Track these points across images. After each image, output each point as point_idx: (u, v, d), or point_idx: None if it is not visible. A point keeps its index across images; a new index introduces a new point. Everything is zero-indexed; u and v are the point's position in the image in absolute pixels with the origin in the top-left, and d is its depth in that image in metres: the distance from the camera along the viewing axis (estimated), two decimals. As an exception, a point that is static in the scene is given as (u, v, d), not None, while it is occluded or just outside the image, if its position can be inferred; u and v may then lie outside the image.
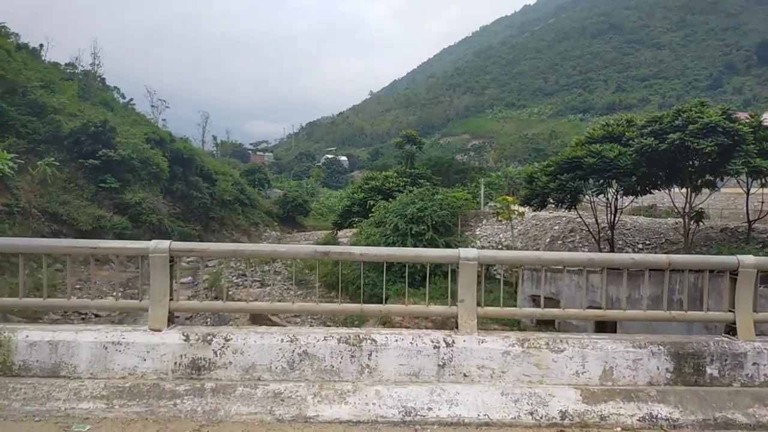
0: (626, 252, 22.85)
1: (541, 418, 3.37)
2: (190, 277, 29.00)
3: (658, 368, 3.68)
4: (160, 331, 3.67)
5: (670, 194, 21.61)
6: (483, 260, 3.85)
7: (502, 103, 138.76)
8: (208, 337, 3.61)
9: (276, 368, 3.58)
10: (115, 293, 24.53)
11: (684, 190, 19.81)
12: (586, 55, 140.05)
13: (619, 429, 3.34)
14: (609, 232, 21.90)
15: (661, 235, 23.39)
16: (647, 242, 23.28)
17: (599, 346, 3.72)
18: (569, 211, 22.75)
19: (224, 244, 3.89)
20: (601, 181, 19.68)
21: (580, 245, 24.39)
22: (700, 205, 20.11)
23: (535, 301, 19.33)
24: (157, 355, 3.55)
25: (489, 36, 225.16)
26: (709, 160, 17.23)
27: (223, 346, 3.59)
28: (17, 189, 30.09)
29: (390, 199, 27.69)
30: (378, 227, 24.95)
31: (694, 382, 3.68)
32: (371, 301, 19.15)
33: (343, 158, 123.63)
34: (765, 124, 18.65)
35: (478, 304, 3.86)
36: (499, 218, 26.54)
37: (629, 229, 24.60)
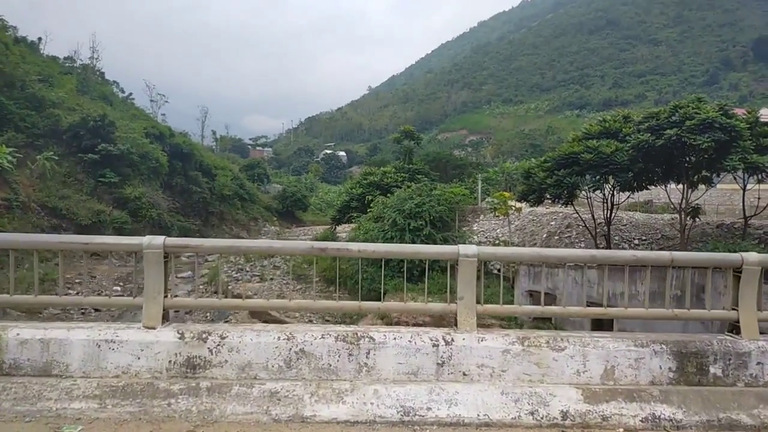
0: (623, 247, 22.83)
1: (542, 418, 3.32)
2: (189, 272, 28.96)
3: (660, 367, 3.63)
4: (154, 328, 3.60)
5: (666, 190, 21.57)
6: (483, 257, 3.79)
7: (500, 98, 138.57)
8: (204, 335, 3.55)
9: (272, 367, 3.51)
10: (108, 290, 24.80)
11: (680, 186, 19.77)
12: (583, 51, 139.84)
13: (621, 430, 3.29)
14: (605, 227, 21.87)
15: (657, 231, 23.37)
16: (643, 238, 23.26)
17: (600, 344, 3.67)
18: (566, 206, 22.71)
19: (220, 240, 3.82)
20: (598, 176, 19.62)
21: (577, 241, 24.36)
22: (697, 201, 20.08)
23: (532, 296, 19.33)
24: (151, 353, 3.48)
25: (487, 31, 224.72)
26: (706, 156, 17.17)
27: (218, 344, 3.52)
28: (16, 183, 29.96)
29: (388, 195, 27.64)
30: (376, 222, 24.90)
31: (697, 382, 3.63)
32: (370, 296, 19.14)
33: (342, 153, 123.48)
34: (762, 120, 18.60)
35: (478, 302, 3.80)
36: (497, 214, 26.45)
37: (625, 225, 24.58)
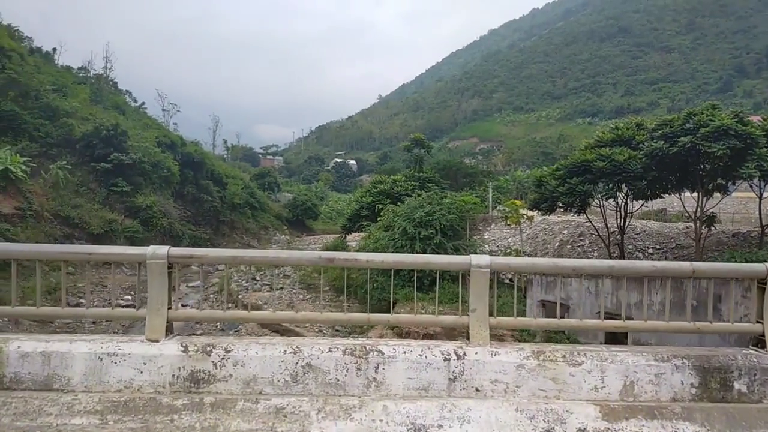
0: (636, 256, 22.55)
1: None
2: (199, 281, 28.95)
3: (682, 383, 3.46)
4: (157, 341, 3.50)
5: (680, 198, 21.29)
6: (495, 267, 3.66)
7: (511, 106, 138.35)
8: (208, 349, 3.45)
9: (278, 381, 3.40)
10: (119, 300, 24.77)
11: (695, 194, 19.50)
12: (595, 59, 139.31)
13: (642, 449, 3.14)
14: (619, 236, 21.60)
15: (672, 240, 23.06)
16: (657, 247, 22.96)
17: (619, 359, 3.51)
18: (578, 215, 22.48)
19: (225, 250, 3.73)
20: (611, 185, 19.41)
21: (590, 250, 24.10)
22: (712, 210, 19.79)
23: (545, 306, 19.05)
24: (154, 367, 3.39)
25: (497, 40, 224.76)
26: (721, 164, 16.91)
27: (223, 358, 3.42)
28: (30, 192, 30.26)
29: (398, 203, 27.58)
30: (386, 231, 24.81)
31: (721, 399, 3.46)
32: (380, 305, 19.05)
33: (352, 162, 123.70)
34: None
35: (491, 314, 3.67)
36: (508, 222, 26.27)
37: (639, 234, 24.29)
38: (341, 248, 31.50)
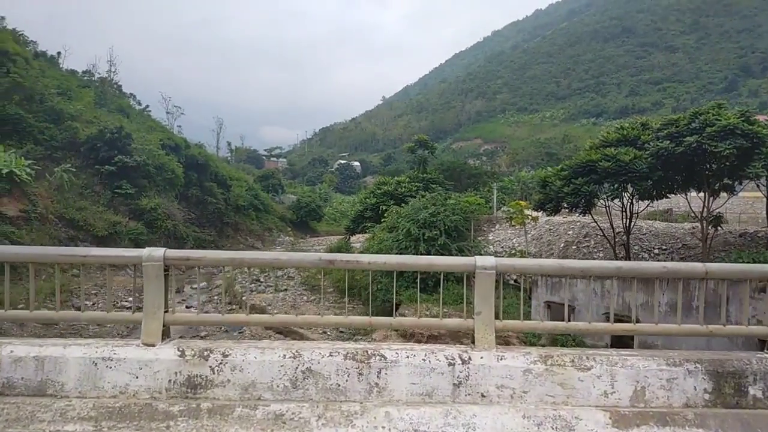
0: (642, 257, 22.36)
1: None
2: (204, 283, 28.99)
3: (695, 388, 3.34)
4: (153, 345, 3.41)
5: (686, 198, 21.11)
6: (501, 269, 3.55)
7: (514, 107, 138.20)
8: (205, 353, 3.35)
9: (277, 387, 3.30)
10: (123, 301, 24.81)
11: (701, 194, 19.33)
12: (599, 59, 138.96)
13: (654, 457, 3.03)
14: (624, 237, 21.43)
15: (678, 240, 22.87)
16: (663, 247, 22.78)
17: (629, 363, 3.40)
18: (584, 215, 22.31)
19: (222, 252, 3.64)
20: (616, 185, 19.25)
21: (595, 250, 23.92)
22: (718, 210, 19.60)
23: (550, 307, 18.93)
24: (150, 372, 3.30)
25: (501, 41, 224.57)
26: (727, 164, 16.74)
27: (220, 363, 3.33)
28: (35, 195, 30.35)
29: (402, 204, 27.45)
30: (390, 232, 24.70)
31: (735, 404, 3.34)
32: (384, 307, 18.94)
33: (356, 163, 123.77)
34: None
35: (496, 317, 3.56)
36: (513, 223, 26.10)
37: (645, 234, 24.10)
38: (345, 249, 31.40)
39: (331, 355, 3.36)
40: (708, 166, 17.63)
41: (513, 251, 26.00)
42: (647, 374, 3.34)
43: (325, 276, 23.18)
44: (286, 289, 25.92)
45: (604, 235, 22.16)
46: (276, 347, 3.44)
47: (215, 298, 27.82)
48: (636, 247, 22.67)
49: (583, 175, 19.56)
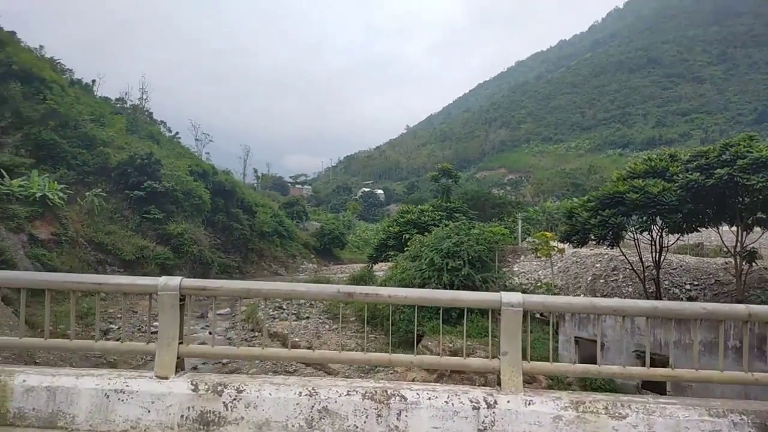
0: (673, 292, 21.66)
1: None
2: (228, 309, 29.04)
3: None
4: (167, 378, 3.31)
5: (718, 232, 20.46)
6: (528, 306, 3.38)
7: (539, 137, 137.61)
8: (219, 388, 3.24)
9: (293, 426, 3.15)
10: (148, 326, 24.89)
11: (734, 228, 18.71)
12: (624, 90, 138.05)
13: None
14: (654, 271, 20.81)
15: (710, 276, 22.10)
16: (695, 283, 22.02)
17: (668, 412, 3.16)
18: (611, 248, 21.75)
19: (239, 282, 3.55)
20: (645, 217, 18.77)
21: (624, 284, 23.28)
22: (752, 245, 18.92)
23: (578, 343, 18.35)
24: (162, 406, 3.19)
25: (525, 71, 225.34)
26: (761, 197, 16.17)
27: (234, 399, 3.20)
28: (66, 219, 31.07)
29: (425, 233, 27.23)
30: (413, 261, 24.44)
31: (785, 462, 3.07)
32: (406, 338, 18.61)
33: (380, 191, 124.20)
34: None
35: (524, 357, 3.37)
36: (538, 254, 25.60)
37: (675, 269, 23.36)
38: (368, 278, 31.19)
39: (349, 394, 3.21)
40: (740, 199, 17.09)
41: (539, 283, 25.47)
42: (688, 425, 3.09)
43: (347, 305, 22.97)
44: (308, 317, 25.76)
45: (633, 268, 21.57)
46: (291, 384, 3.31)
47: (238, 325, 27.82)
48: (666, 282, 21.98)
49: (611, 207, 19.14)
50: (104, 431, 3.14)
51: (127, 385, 3.24)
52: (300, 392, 3.22)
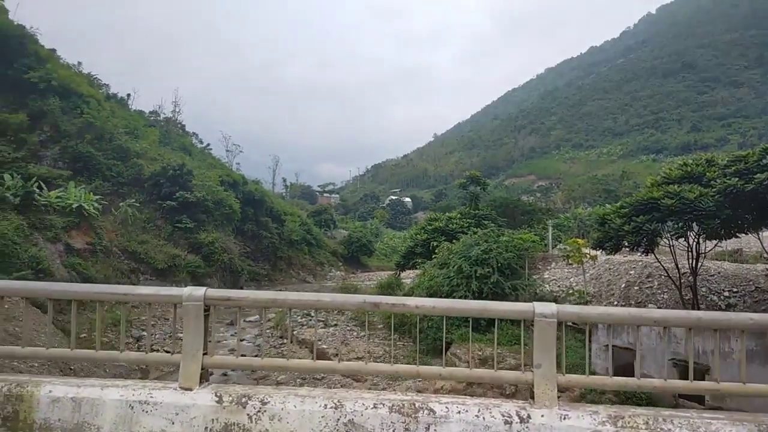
0: (711, 300, 20.97)
1: None
2: (257, 316, 29.27)
3: None
4: (191, 390, 3.27)
5: (758, 238, 19.77)
6: (563, 317, 3.22)
7: (569, 143, 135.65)
8: (243, 400, 3.18)
9: None
10: (146, 346, 25.06)
11: (774, 233, 18.07)
12: (658, 95, 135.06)
13: None
14: (690, 278, 20.16)
15: (750, 283, 21.32)
16: (734, 290, 21.27)
17: (714, 428, 2.96)
18: (646, 255, 21.19)
19: (264, 292, 3.49)
20: (681, 223, 18.22)
21: (659, 291, 22.64)
22: (794, 251, 18.22)
23: (612, 351, 17.84)
24: (186, 417, 3.14)
25: (554, 78, 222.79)
26: (802, 201, 15.58)
27: (259, 411, 3.13)
28: (101, 228, 31.85)
29: (453, 241, 26.99)
30: (441, 269, 24.24)
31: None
32: (434, 345, 18.40)
33: (407, 199, 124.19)
34: None
35: (558, 370, 3.22)
36: (570, 262, 25.09)
37: (713, 276, 22.61)
38: (395, 285, 31.05)
39: (376, 407, 3.11)
40: (782, 203, 16.48)
41: (570, 290, 24.96)
42: None
43: (367, 317, 22.87)
44: (336, 324, 25.76)
45: (668, 275, 20.96)
46: (317, 396, 3.22)
47: (267, 331, 27.97)
48: (704, 289, 21.28)
49: (645, 213, 18.66)
50: None
51: (152, 397, 3.21)
52: (325, 404, 3.13)
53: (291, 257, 55.26)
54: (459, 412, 3.07)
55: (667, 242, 19.98)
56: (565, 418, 3.03)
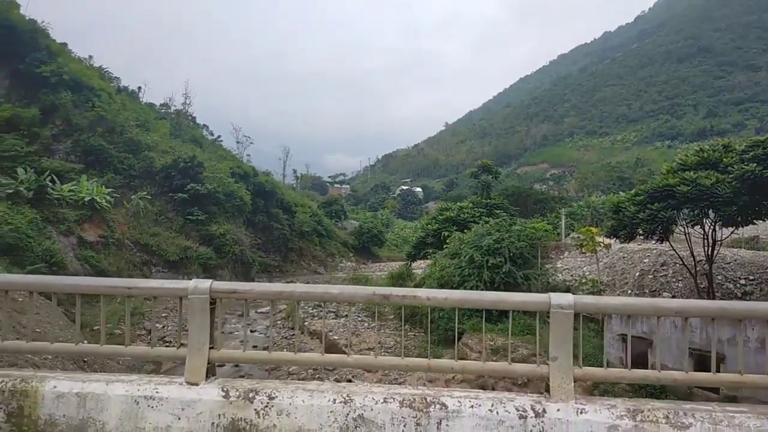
0: (727, 287, 20.67)
1: None
2: (268, 307, 29.43)
3: None
4: (197, 385, 3.19)
5: (777, 225, 19.40)
6: (580, 308, 3.09)
7: (583, 131, 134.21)
8: (250, 395, 3.10)
9: None
10: (152, 340, 25.17)
11: (793, 220, 17.68)
12: (673, 80, 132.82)
13: None
14: (706, 265, 19.85)
15: (767, 270, 21.01)
16: (751, 278, 20.94)
17: (737, 422, 2.83)
18: (660, 243, 20.89)
19: (271, 285, 3.43)
20: (697, 211, 17.90)
21: (673, 280, 22.35)
22: (816, 237, 17.83)
23: (625, 340, 17.66)
24: (193, 413, 3.07)
25: (567, 64, 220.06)
26: (822, 188, 15.21)
27: (266, 406, 3.06)
28: (113, 221, 32.11)
29: (465, 231, 26.80)
30: (453, 259, 24.09)
31: None
32: (446, 335, 18.34)
33: (418, 189, 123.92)
34: None
35: (575, 362, 3.10)
36: (583, 250, 24.82)
37: (729, 263, 22.26)
38: (406, 276, 30.97)
39: (386, 402, 3.02)
40: (802, 190, 16.11)
41: (583, 279, 24.73)
42: None
43: (376, 310, 22.83)
44: (346, 315, 25.79)
45: (683, 263, 20.66)
46: (325, 390, 3.14)
47: (279, 323, 28.06)
48: (720, 277, 20.96)
49: (660, 200, 18.35)
50: None
51: (157, 392, 3.14)
52: (334, 399, 3.05)
53: (302, 248, 55.42)
54: (472, 406, 2.97)
55: (683, 230, 19.69)
56: (581, 413, 2.92)
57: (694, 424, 2.85)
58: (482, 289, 20.17)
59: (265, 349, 4.01)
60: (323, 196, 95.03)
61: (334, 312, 26.57)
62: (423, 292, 3.24)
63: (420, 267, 33.77)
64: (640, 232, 19.87)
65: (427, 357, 3.36)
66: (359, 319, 25.48)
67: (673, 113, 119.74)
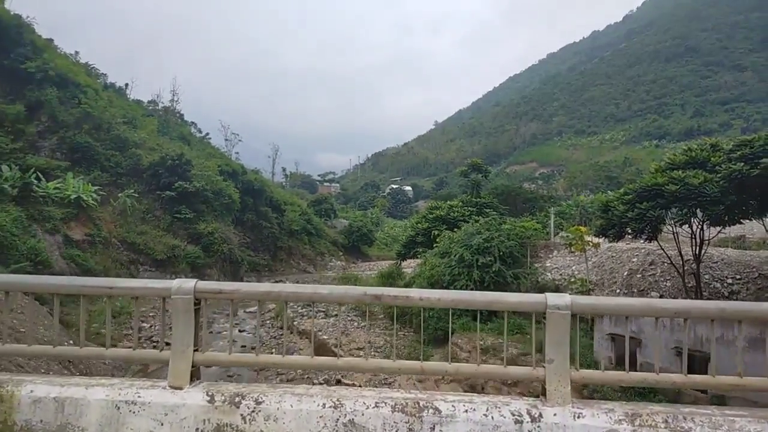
0: (714, 287, 20.83)
1: None
2: (256, 307, 29.19)
3: None
4: (181, 389, 3.07)
5: (763, 224, 19.53)
6: (577, 309, 3.01)
7: (572, 130, 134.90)
8: (236, 399, 2.99)
9: None
10: (134, 342, 24.88)
11: (779, 219, 17.83)
12: (661, 80, 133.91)
13: None
14: (694, 265, 19.98)
15: (754, 269, 21.17)
16: (737, 277, 21.12)
17: (737, 426, 2.77)
18: (649, 242, 21.00)
19: (258, 285, 3.31)
20: (685, 210, 18.00)
21: (662, 279, 22.50)
22: (802, 237, 18.00)
23: (614, 340, 17.72)
24: (176, 418, 2.95)
25: (556, 63, 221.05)
26: (809, 187, 15.33)
27: (253, 411, 2.94)
28: (99, 219, 31.72)
29: (455, 229, 26.79)
30: (443, 258, 24.06)
31: None
32: (436, 335, 18.30)
33: (408, 188, 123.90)
34: None
35: (571, 365, 3.02)
36: (572, 249, 24.90)
37: (716, 263, 22.44)
38: (396, 275, 30.90)
39: (377, 406, 2.92)
40: (788, 189, 16.23)
41: (572, 278, 24.81)
42: None
43: (367, 309, 22.75)
44: (336, 315, 25.67)
45: (671, 262, 20.79)
46: (315, 394, 3.03)
47: (267, 322, 27.85)
48: (707, 276, 21.13)
49: (649, 200, 18.43)
50: None
51: (139, 396, 3.02)
52: (324, 404, 2.94)
53: (291, 247, 55.15)
54: (466, 411, 2.88)
55: (671, 229, 19.80)
56: (579, 417, 2.84)
57: (694, 428, 2.79)
58: (472, 288, 20.15)
59: (252, 350, 3.87)
60: (313, 195, 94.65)
61: (323, 311, 26.43)
62: (416, 293, 3.14)
63: (410, 266, 33.71)
64: (629, 231, 19.94)
65: (418, 358, 3.27)
66: (349, 318, 25.36)
67: (661, 113, 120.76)
